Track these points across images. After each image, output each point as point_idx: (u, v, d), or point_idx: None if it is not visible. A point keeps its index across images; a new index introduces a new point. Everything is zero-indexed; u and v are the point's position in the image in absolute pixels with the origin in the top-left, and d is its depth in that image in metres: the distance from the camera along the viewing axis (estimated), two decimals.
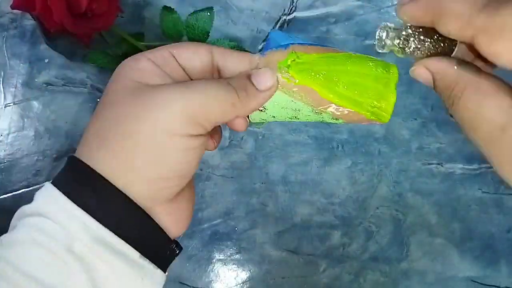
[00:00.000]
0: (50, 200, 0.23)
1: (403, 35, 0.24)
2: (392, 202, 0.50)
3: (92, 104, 0.48)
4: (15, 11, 0.46)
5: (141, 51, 0.45)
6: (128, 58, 0.26)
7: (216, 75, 0.27)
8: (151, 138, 0.22)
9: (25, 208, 0.24)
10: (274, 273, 0.48)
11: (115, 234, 0.22)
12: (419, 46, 0.24)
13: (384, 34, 0.25)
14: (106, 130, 0.24)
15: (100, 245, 0.22)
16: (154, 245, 0.24)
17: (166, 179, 0.24)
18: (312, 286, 0.48)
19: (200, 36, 0.45)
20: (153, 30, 0.48)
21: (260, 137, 0.49)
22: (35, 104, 0.47)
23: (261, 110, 0.27)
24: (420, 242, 0.49)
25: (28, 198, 0.47)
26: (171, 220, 0.25)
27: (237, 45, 0.45)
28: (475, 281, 0.50)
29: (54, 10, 0.39)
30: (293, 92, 0.26)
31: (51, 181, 0.24)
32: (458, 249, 0.50)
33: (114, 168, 0.23)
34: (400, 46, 0.24)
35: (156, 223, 0.24)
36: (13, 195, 0.46)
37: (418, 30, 0.24)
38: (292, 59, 0.26)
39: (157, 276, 0.24)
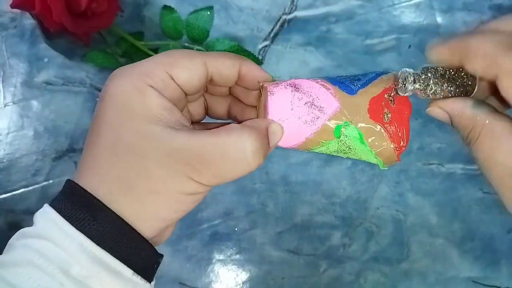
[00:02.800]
0: (50, 222, 0.23)
1: (423, 79, 0.25)
2: (393, 202, 0.49)
3: (91, 103, 0.48)
4: (14, 10, 0.46)
5: (141, 50, 0.46)
6: (129, 83, 0.24)
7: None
8: (164, 195, 0.24)
9: (25, 230, 0.24)
10: (274, 273, 0.48)
11: (111, 254, 0.23)
12: (438, 89, 0.25)
13: (405, 80, 0.26)
14: (131, 179, 0.24)
15: (97, 265, 0.23)
16: (145, 261, 0.25)
17: (168, 221, 0.25)
18: (312, 287, 0.48)
19: (200, 35, 0.45)
20: (153, 29, 0.48)
21: None
22: (34, 103, 0.47)
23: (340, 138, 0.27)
24: (420, 242, 0.49)
25: (27, 198, 0.47)
26: (157, 236, 0.26)
27: (237, 44, 0.45)
28: (476, 282, 0.49)
29: (54, 9, 0.39)
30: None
31: (50, 203, 0.24)
32: (459, 250, 0.50)
33: (125, 210, 0.24)
34: (421, 89, 0.26)
35: (146, 240, 0.25)
36: (12, 194, 0.46)
37: (437, 74, 0.25)
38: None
39: None
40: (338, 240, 0.49)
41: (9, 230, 0.46)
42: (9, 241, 0.24)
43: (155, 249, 0.25)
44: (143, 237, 0.24)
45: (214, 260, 0.48)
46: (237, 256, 0.48)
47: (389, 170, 0.50)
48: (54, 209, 0.23)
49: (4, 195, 0.46)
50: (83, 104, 0.48)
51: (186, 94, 0.26)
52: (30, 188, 0.47)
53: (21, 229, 0.24)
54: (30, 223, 0.48)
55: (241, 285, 0.48)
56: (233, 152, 0.24)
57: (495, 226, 0.50)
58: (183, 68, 0.25)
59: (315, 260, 0.48)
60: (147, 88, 0.24)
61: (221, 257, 0.48)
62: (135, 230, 0.24)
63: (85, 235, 0.23)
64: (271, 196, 0.49)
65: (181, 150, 0.23)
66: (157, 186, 0.23)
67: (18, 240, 0.23)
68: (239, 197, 0.48)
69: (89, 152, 0.24)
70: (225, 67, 0.26)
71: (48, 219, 0.23)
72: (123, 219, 0.24)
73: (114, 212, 0.23)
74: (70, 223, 0.23)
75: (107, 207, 0.23)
